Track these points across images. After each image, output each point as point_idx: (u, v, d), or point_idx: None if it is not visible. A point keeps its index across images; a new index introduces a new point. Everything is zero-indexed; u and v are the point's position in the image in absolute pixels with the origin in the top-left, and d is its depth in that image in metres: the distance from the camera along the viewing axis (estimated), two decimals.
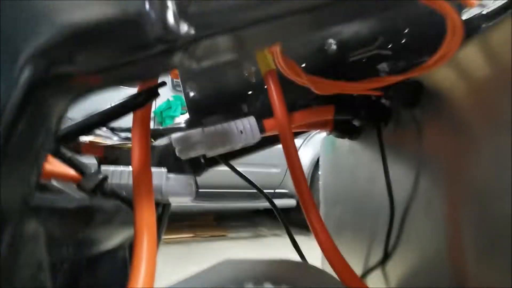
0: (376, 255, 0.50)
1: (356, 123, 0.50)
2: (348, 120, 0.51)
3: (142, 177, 0.36)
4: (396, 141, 0.48)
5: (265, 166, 2.75)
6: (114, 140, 0.49)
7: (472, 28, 0.41)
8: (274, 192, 2.91)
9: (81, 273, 0.35)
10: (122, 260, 0.38)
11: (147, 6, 0.14)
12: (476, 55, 0.36)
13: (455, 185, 0.39)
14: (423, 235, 0.43)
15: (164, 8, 0.15)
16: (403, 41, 0.50)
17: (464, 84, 0.38)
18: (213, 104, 0.49)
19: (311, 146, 2.65)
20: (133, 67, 0.14)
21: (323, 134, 0.76)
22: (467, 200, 0.37)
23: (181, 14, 0.15)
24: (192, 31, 0.15)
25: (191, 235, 2.63)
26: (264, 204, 2.84)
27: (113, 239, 0.36)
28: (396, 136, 0.48)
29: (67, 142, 0.29)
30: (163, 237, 0.51)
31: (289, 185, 2.91)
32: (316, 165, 2.65)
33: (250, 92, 0.52)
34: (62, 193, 0.32)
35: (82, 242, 0.30)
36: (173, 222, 2.75)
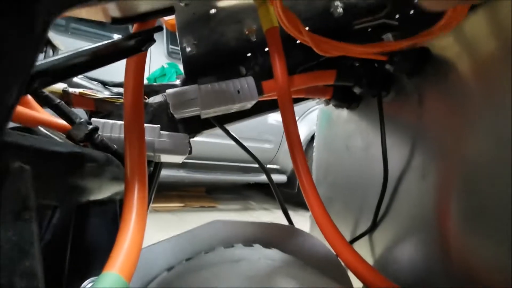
0: (365, 224, 0.51)
1: (356, 90, 0.49)
2: (349, 87, 0.50)
3: (135, 129, 0.35)
4: (395, 111, 0.47)
5: (258, 141, 2.75)
6: (105, 94, 0.47)
7: None
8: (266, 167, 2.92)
9: (71, 224, 0.35)
10: (113, 214, 0.38)
11: None
12: (482, 25, 0.35)
13: (449, 158, 0.39)
14: (413, 205, 0.44)
15: None
16: (411, 12, 0.48)
17: (468, 55, 0.37)
18: (210, 62, 0.47)
19: (306, 124, 2.64)
20: None
21: (319, 108, 0.75)
22: (460, 173, 0.37)
23: None
24: None
25: (181, 204, 2.65)
26: (255, 178, 2.86)
27: (103, 192, 0.35)
28: (395, 106, 0.47)
29: (49, 81, 0.26)
30: (153, 204, 0.50)
31: (281, 161, 2.93)
32: (310, 142, 2.66)
33: (249, 54, 0.50)
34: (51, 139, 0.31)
35: (72, 189, 0.29)
36: (164, 191, 2.77)
